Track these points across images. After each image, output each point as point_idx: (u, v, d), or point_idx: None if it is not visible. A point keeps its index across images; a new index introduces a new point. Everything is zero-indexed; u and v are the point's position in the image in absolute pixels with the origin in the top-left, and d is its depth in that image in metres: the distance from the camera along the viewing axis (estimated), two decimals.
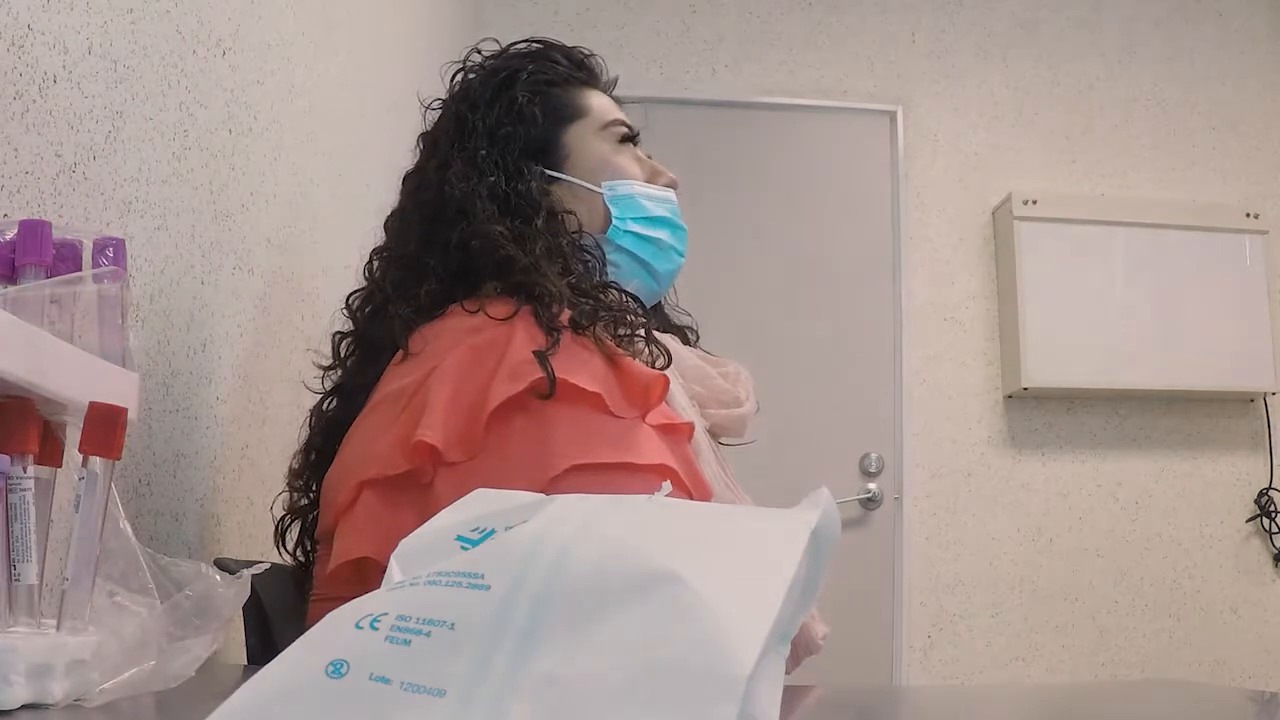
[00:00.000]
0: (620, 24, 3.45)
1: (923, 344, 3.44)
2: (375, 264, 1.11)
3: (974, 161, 3.55)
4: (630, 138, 1.17)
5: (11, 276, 0.61)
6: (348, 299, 1.12)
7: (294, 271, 1.46)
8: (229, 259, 1.21)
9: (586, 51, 1.20)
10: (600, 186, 1.12)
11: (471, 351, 0.91)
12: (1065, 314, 3.33)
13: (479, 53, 1.18)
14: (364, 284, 1.11)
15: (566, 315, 0.95)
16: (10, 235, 0.61)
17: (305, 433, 1.09)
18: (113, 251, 0.66)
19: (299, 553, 1.08)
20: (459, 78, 1.17)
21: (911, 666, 3.27)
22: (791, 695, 0.88)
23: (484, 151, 1.08)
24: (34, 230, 0.61)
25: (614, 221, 1.11)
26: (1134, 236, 3.33)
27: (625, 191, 1.13)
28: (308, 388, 1.13)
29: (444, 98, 1.17)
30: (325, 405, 1.09)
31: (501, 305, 0.95)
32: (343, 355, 1.10)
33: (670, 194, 1.16)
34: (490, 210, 1.03)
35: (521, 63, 1.15)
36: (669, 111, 3.28)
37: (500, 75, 1.14)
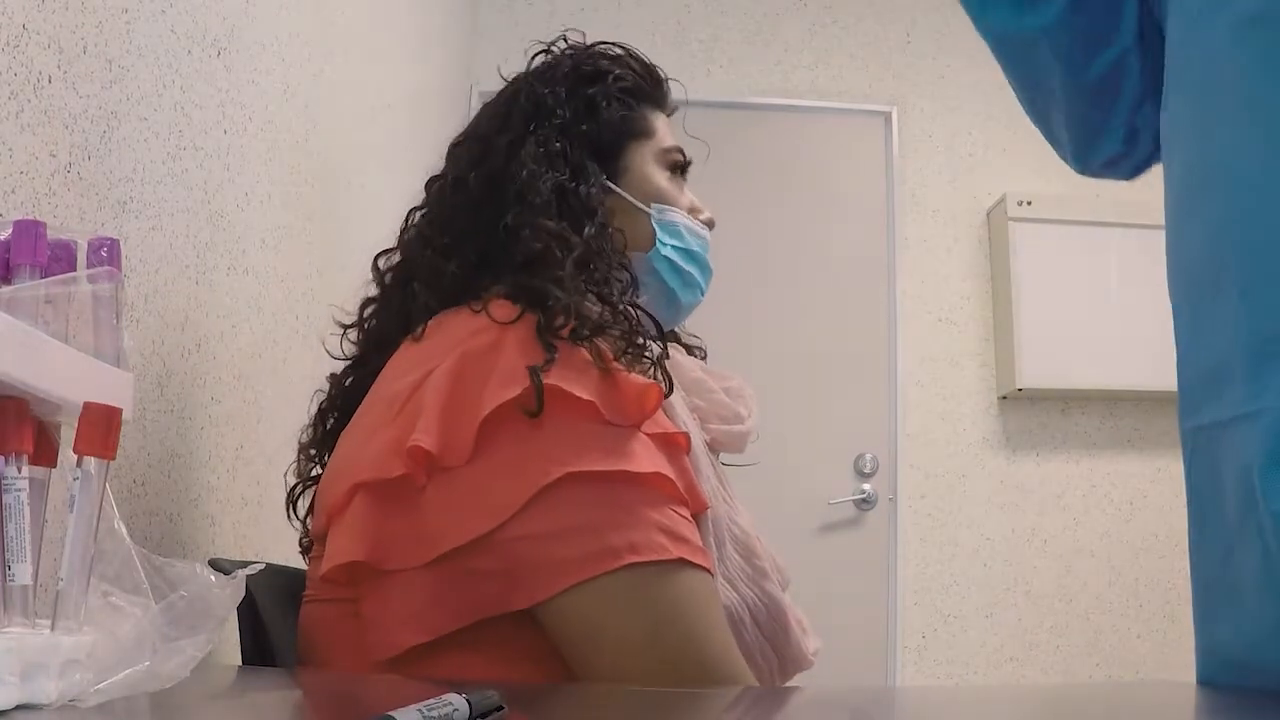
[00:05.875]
0: (615, 24, 3.46)
1: (917, 345, 3.45)
2: (412, 227, 1.10)
3: (969, 162, 3.55)
4: (683, 168, 1.17)
5: (6, 277, 0.61)
6: (375, 259, 1.11)
7: (288, 272, 1.45)
8: (223, 259, 1.21)
9: (663, 73, 1.19)
10: (650, 208, 1.12)
11: (465, 357, 0.90)
12: (1060, 315, 3.34)
13: (565, 40, 1.17)
14: (395, 245, 1.11)
15: (570, 328, 0.92)
16: (4, 235, 0.61)
17: (319, 401, 1.09)
18: (107, 252, 0.65)
19: (310, 521, 1.07)
20: (539, 59, 1.15)
21: (906, 667, 3.28)
22: (786, 696, 0.89)
23: (559, 143, 1.06)
24: (28, 230, 0.61)
25: (657, 244, 1.11)
26: (1129, 237, 3.33)
27: (672, 219, 1.13)
28: (328, 352, 1.13)
29: (521, 74, 1.15)
30: (342, 380, 1.09)
31: (506, 308, 0.93)
32: (364, 318, 1.10)
33: (707, 232, 1.17)
34: (548, 202, 1.02)
35: (609, 65, 1.14)
36: None
37: (586, 70, 1.13)
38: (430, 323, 0.98)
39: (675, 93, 1.20)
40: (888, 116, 3.55)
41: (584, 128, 1.09)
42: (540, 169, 1.03)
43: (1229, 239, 0.74)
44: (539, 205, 1.01)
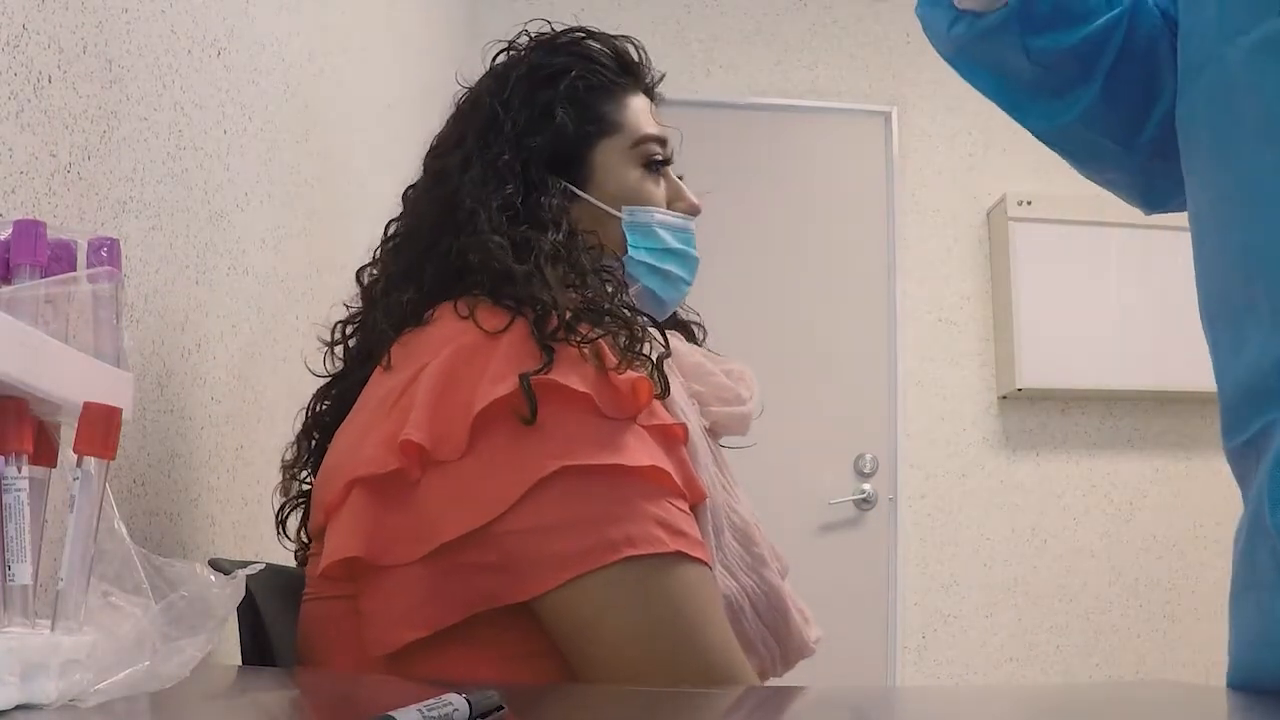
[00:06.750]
0: (615, 24, 3.44)
1: (917, 345, 3.45)
2: (390, 240, 1.09)
3: (969, 162, 3.55)
4: (660, 158, 1.11)
5: (6, 277, 0.61)
6: (358, 274, 1.10)
7: (288, 272, 1.45)
8: (223, 259, 1.21)
9: (636, 47, 1.14)
10: (620, 211, 1.08)
11: (459, 352, 0.90)
12: (1060, 315, 3.34)
13: (528, 34, 1.11)
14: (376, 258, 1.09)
15: (564, 330, 0.91)
16: (4, 235, 0.61)
17: (301, 419, 1.09)
18: (107, 251, 0.65)
19: (302, 534, 1.07)
20: (500, 59, 1.11)
21: (906, 667, 3.28)
22: (786, 696, 0.89)
23: (507, 157, 1.03)
24: (29, 230, 0.61)
25: (629, 250, 1.07)
26: (1129, 237, 3.33)
27: (644, 220, 1.08)
28: (309, 370, 1.13)
29: (480, 80, 1.11)
30: (325, 393, 1.08)
31: (494, 316, 0.92)
32: (345, 335, 1.09)
33: (688, 222, 1.12)
34: (498, 221, 0.98)
35: (567, 63, 1.09)
36: (663, 112, 3.28)
37: (541, 74, 1.08)
38: (397, 345, 0.97)
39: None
40: (888, 116, 3.55)
41: (536, 140, 1.04)
42: (487, 189, 1.01)
43: (1258, 260, 0.74)
44: (485, 227, 0.98)
